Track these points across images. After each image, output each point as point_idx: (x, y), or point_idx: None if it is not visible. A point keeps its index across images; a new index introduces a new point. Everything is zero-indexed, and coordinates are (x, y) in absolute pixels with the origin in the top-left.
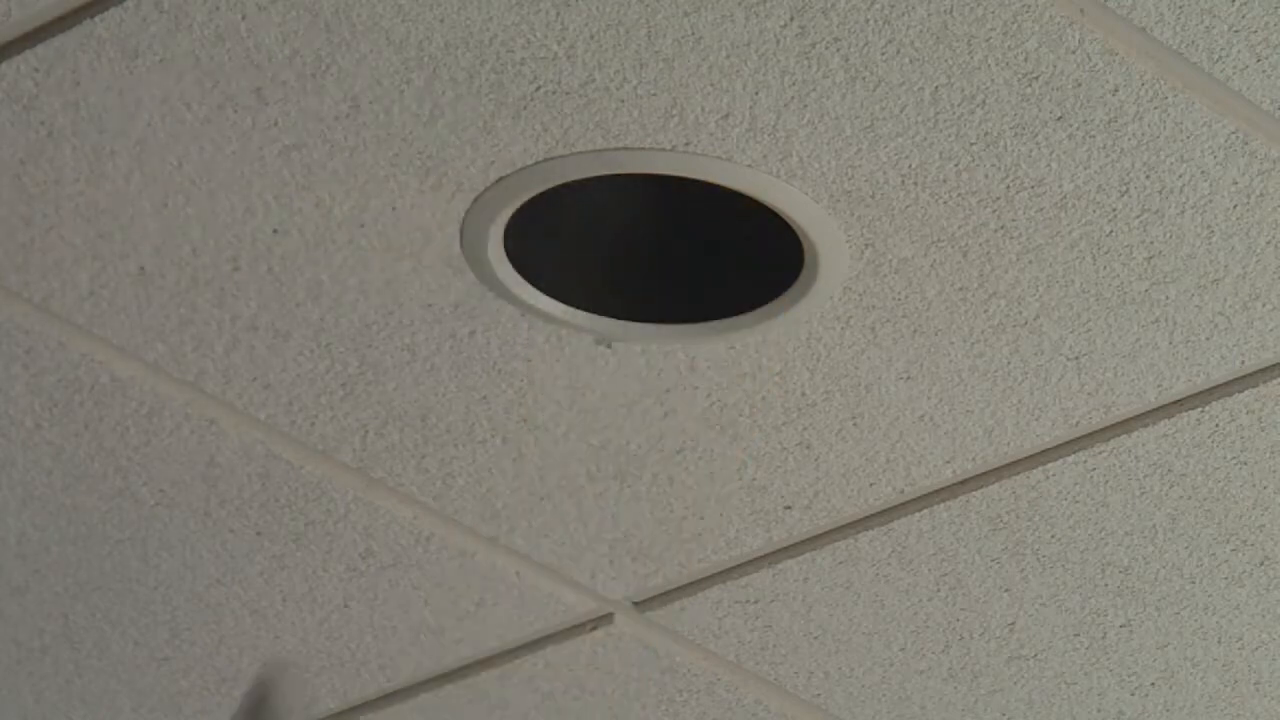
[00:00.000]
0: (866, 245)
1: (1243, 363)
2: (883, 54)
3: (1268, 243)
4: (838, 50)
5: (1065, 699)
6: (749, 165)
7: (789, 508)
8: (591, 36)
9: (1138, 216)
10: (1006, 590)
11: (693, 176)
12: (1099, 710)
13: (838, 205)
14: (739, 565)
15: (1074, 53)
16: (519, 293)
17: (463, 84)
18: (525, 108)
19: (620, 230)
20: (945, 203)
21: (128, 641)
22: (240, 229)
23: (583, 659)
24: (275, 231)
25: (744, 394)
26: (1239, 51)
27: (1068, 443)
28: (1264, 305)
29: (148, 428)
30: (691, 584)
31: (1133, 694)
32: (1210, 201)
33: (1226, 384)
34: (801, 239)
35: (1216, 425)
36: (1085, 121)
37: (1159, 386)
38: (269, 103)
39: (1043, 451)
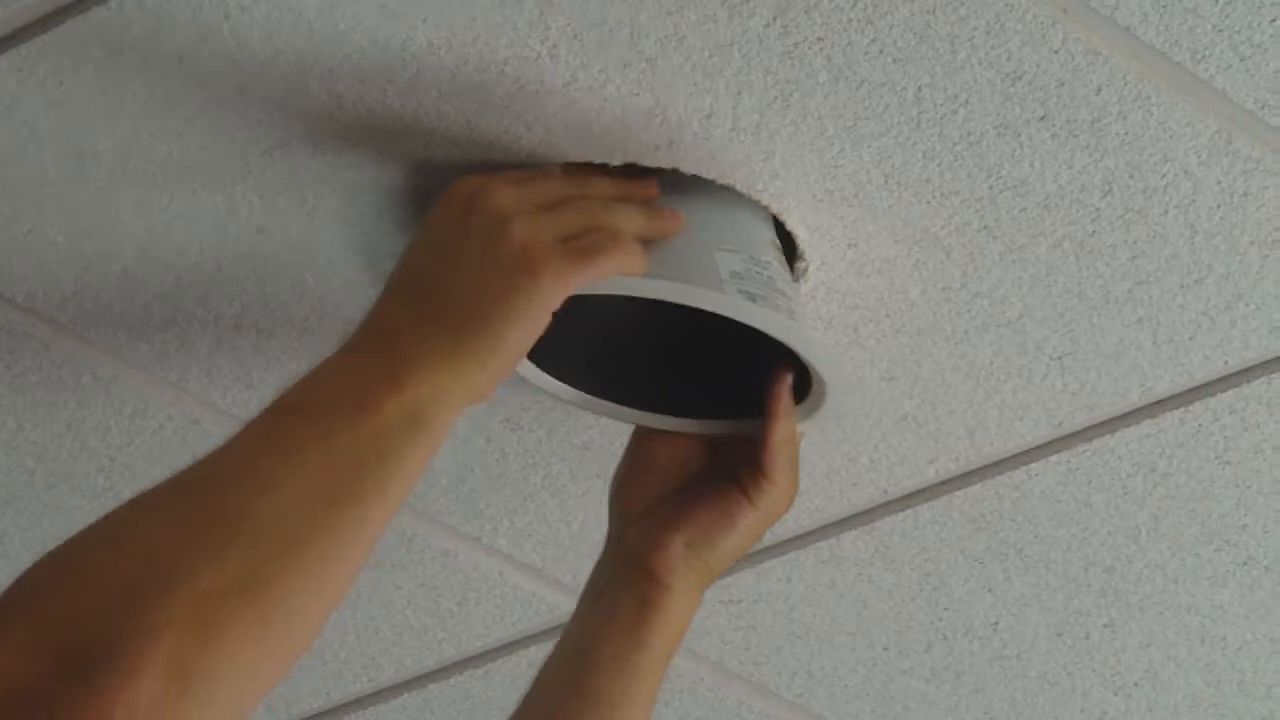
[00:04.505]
0: (850, 245)
1: (1226, 363)
2: (865, 54)
3: (1251, 242)
4: (820, 50)
5: (1048, 699)
6: (731, 165)
7: None
8: (574, 36)
9: (1121, 216)
10: (989, 590)
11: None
12: (1082, 710)
13: (821, 205)
14: None
15: (1057, 52)
16: None
17: (445, 83)
18: (509, 107)
19: None
20: (928, 203)
21: None
22: (224, 229)
23: None
24: (259, 231)
25: None
26: (1222, 51)
27: (1051, 442)
28: (1247, 305)
29: (130, 428)
30: None
31: (1116, 694)
32: (1194, 201)
33: (1210, 384)
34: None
35: (1200, 425)
36: (1069, 121)
37: (1142, 386)
38: (253, 102)
39: (1026, 451)
